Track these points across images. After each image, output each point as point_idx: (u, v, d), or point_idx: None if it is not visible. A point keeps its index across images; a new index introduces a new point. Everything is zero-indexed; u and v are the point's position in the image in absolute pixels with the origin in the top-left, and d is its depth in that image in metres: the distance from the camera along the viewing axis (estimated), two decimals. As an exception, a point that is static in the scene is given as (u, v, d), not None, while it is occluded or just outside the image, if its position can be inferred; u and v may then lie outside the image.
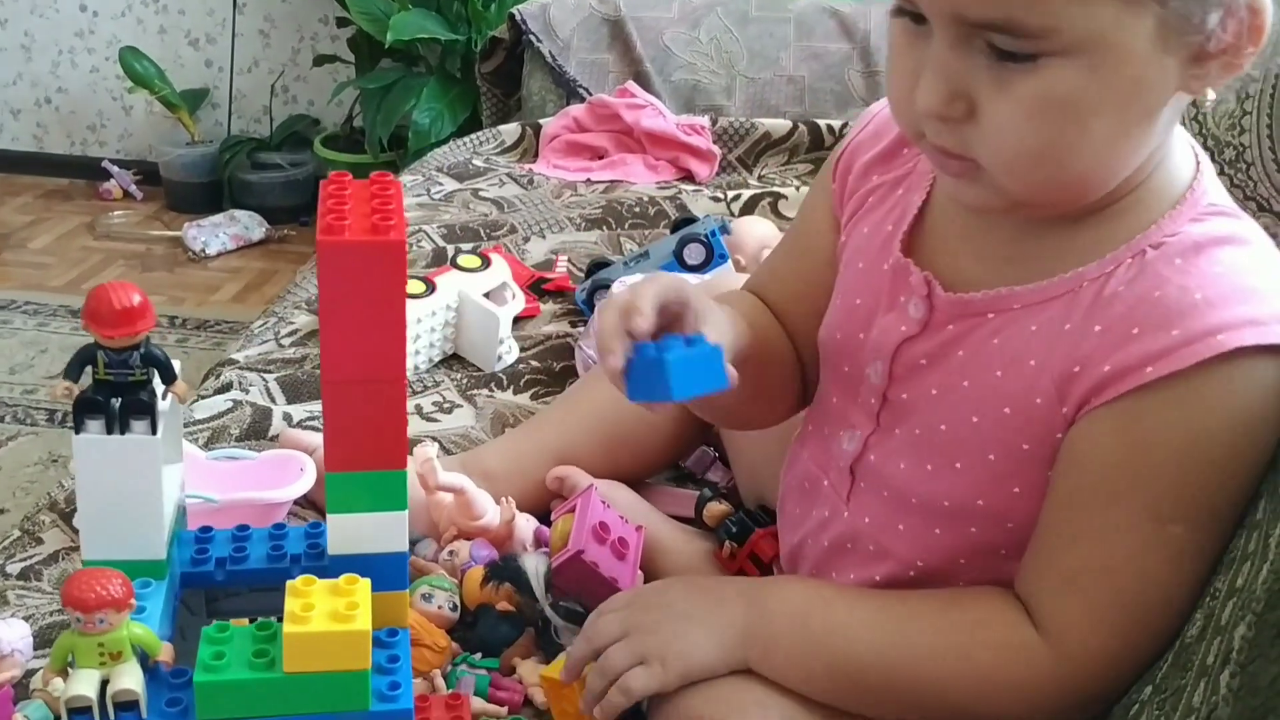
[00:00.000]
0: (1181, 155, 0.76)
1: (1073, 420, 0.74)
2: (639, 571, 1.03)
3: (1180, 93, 0.70)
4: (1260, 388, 0.70)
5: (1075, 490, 0.74)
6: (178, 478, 0.73)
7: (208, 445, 1.22)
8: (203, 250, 3.10)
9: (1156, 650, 0.72)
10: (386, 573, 0.67)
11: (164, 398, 0.66)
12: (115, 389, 0.65)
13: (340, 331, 0.62)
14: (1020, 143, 0.69)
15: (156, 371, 0.66)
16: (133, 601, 0.63)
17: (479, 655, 0.96)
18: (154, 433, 0.65)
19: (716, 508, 1.11)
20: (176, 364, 0.67)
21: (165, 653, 0.65)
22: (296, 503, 1.10)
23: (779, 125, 2.08)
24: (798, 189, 1.94)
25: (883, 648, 0.79)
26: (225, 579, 0.73)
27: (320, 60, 3.25)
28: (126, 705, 0.64)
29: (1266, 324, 0.69)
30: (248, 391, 1.34)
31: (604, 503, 1.04)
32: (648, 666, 0.81)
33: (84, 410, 0.65)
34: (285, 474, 1.10)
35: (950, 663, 0.77)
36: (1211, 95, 0.70)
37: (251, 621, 0.74)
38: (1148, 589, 0.72)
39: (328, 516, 0.68)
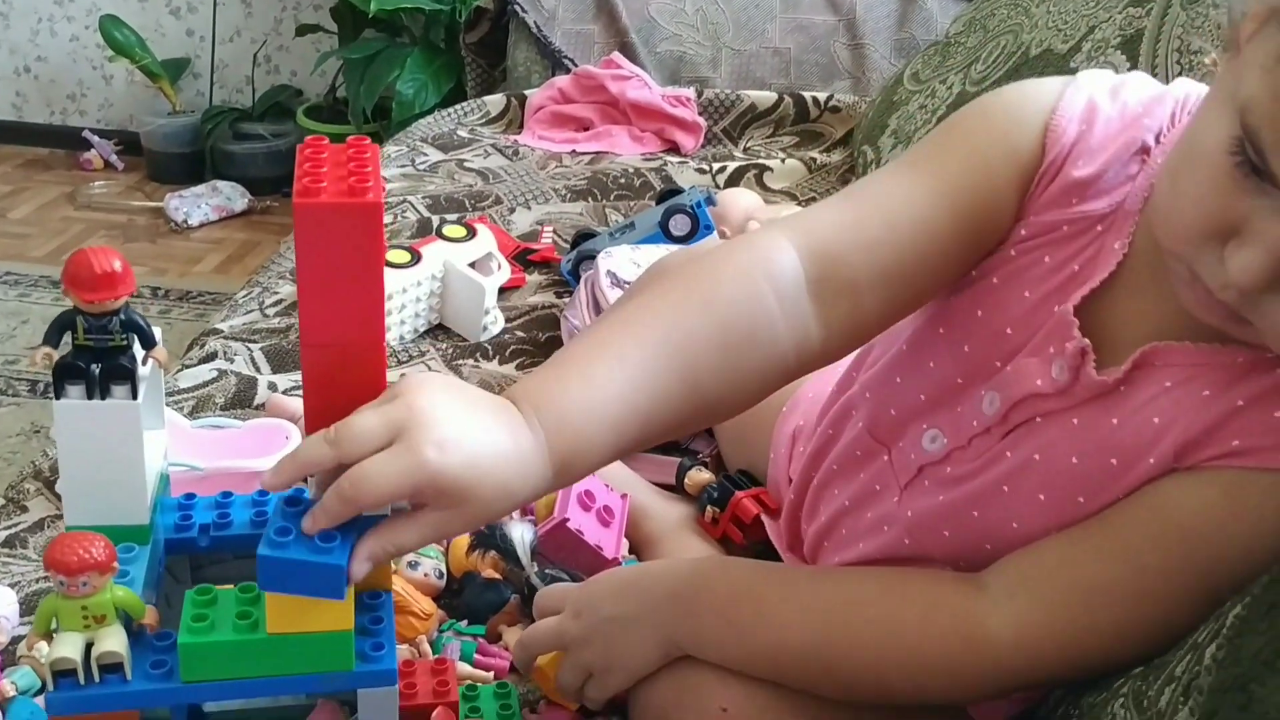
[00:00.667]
0: None
1: (1171, 471, 0.72)
2: (624, 539, 1.04)
3: None
4: None
5: (1133, 519, 0.72)
6: (160, 444, 0.73)
7: (193, 414, 1.22)
8: (185, 221, 3.09)
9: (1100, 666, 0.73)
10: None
11: (144, 363, 0.66)
12: (95, 354, 0.64)
13: (318, 294, 0.61)
14: None
15: (136, 337, 0.65)
16: (115, 565, 0.63)
17: (465, 622, 0.96)
18: (135, 398, 0.65)
19: (698, 476, 1.12)
20: (158, 332, 0.67)
21: (149, 616, 0.65)
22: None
23: (764, 97, 2.07)
24: (783, 161, 1.94)
25: (820, 639, 0.77)
26: (209, 545, 0.73)
27: (303, 30, 3.23)
28: (111, 667, 0.64)
29: None
30: (232, 361, 1.34)
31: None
32: (595, 678, 0.82)
33: (64, 376, 0.64)
34: (270, 442, 1.10)
35: (893, 654, 0.76)
36: None
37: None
38: (1138, 636, 0.71)
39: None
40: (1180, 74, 1.20)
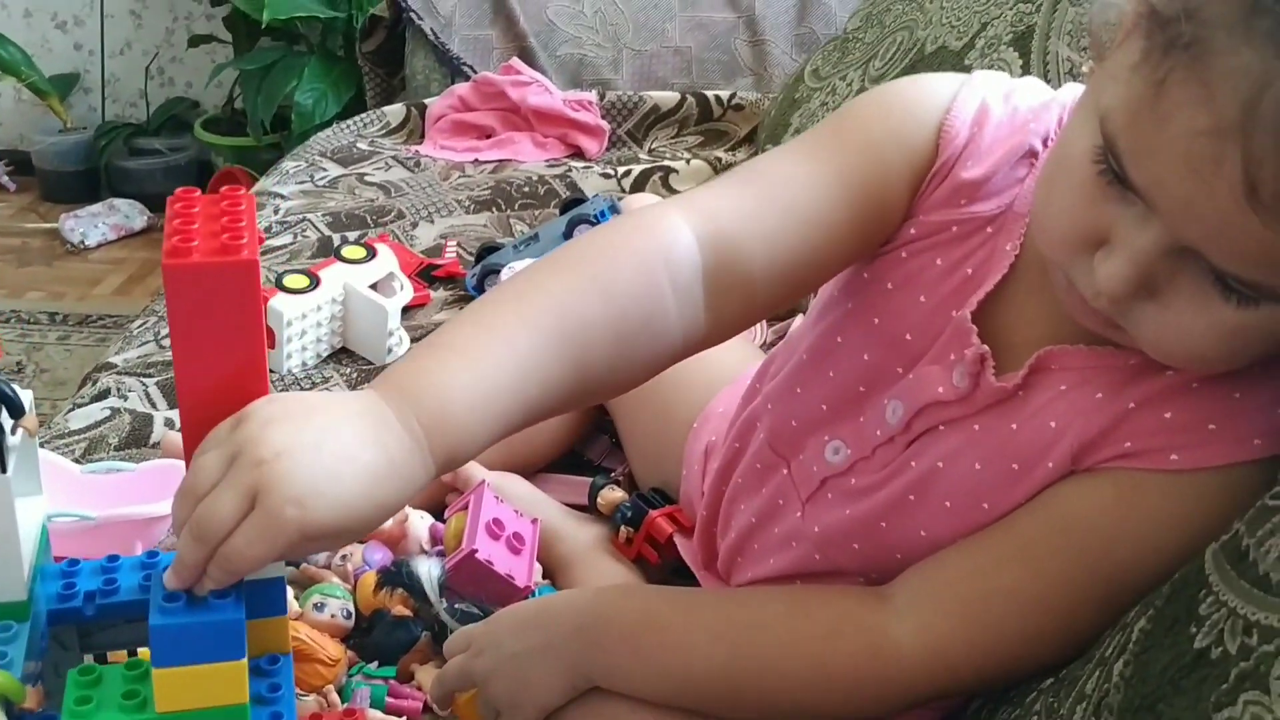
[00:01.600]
0: None
1: (1068, 474, 0.72)
2: (536, 564, 1.02)
3: None
4: (1250, 499, 0.65)
5: (1030, 521, 0.72)
6: (39, 510, 0.69)
7: (84, 457, 1.18)
8: (82, 241, 3.00)
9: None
10: (264, 600, 0.65)
11: (14, 433, 0.63)
12: (-39, 426, 0.61)
13: (194, 358, 0.59)
14: (1197, 350, 0.65)
15: (3, 407, 0.62)
16: (-9, 650, 0.60)
17: (375, 664, 0.94)
18: (3, 471, 0.62)
19: (610, 495, 1.10)
20: (28, 397, 0.64)
21: (31, 699, 0.62)
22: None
23: (667, 98, 2.06)
24: (688, 162, 1.93)
25: (728, 664, 0.76)
26: (95, 613, 0.70)
27: (196, 40, 3.16)
28: (-9, 757, 0.61)
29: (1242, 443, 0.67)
30: (126, 398, 1.29)
31: (497, 497, 1.02)
32: (505, 714, 0.81)
33: (-73, 449, 0.61)
34: (167, 484, 1.06)
35: (802, 673, 0.75)
36: None
37: (131, 654, 0.71)
38: (1044, 641, 0.71)
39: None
40: (1071, 70, 1.21)
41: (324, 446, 0.59)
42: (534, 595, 0.98)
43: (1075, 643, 0.70)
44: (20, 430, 0.63)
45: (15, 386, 0.63)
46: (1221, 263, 0.61)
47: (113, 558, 0.72)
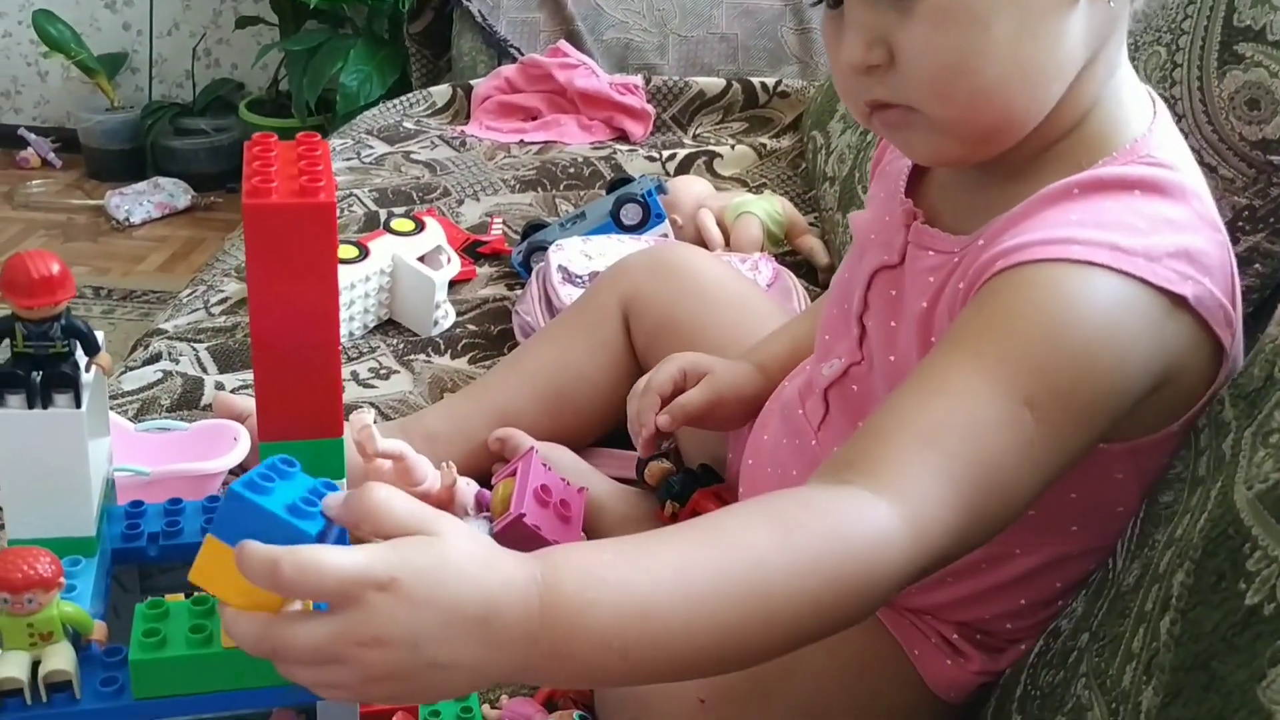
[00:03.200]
0: (1134, 106, 0.76)
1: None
2: (581, 534, 1.03)
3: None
4: (1110, 300, 0.68)
5: (946, 347, 0.71)
6: (105, 452, 0.71)
7: (137, 417, 1.19)
8: (126, 219, 3.03)
9: (987, 535, 0.68)
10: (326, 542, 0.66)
11: (87, 370, 0.64)
12: (36, 362, 0.62)
13: (270, 297, 0.60)
14: (933, 59, 0.71)
15: (79, 343, 0.63)
16: (62, 580, 0.60)
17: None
18: (78, 406, 0.63)
19: (658, 467, 1.11)
20: (101, 335, 0.65)
21: (98, 631, 0.63)
22: (232, 472, 1.08)
23: (713, 84, 2.07)
24: (732, 147, 1.93)
25: (740, 624, 0.61)
26: (158, 554, 0.71)
27: (243, 22, 3.18)
28: (59, 686, 0.62)
29: (1130, 254, 0.68)
30: (178, 362, 1.31)
31: (545, 465, 1.03)
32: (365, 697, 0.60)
33: (3, 384, 0.62)
34: (218, 444, 1.08)
35: (816, 591, 0.62)
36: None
37: (187, 596, 0.72)
38: (993, 468, 0.66)
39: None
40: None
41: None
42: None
43: (1051, 470, 0.67)
44: (94, 368, 0.64)
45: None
46: None
47: (175, 501, 0.74)
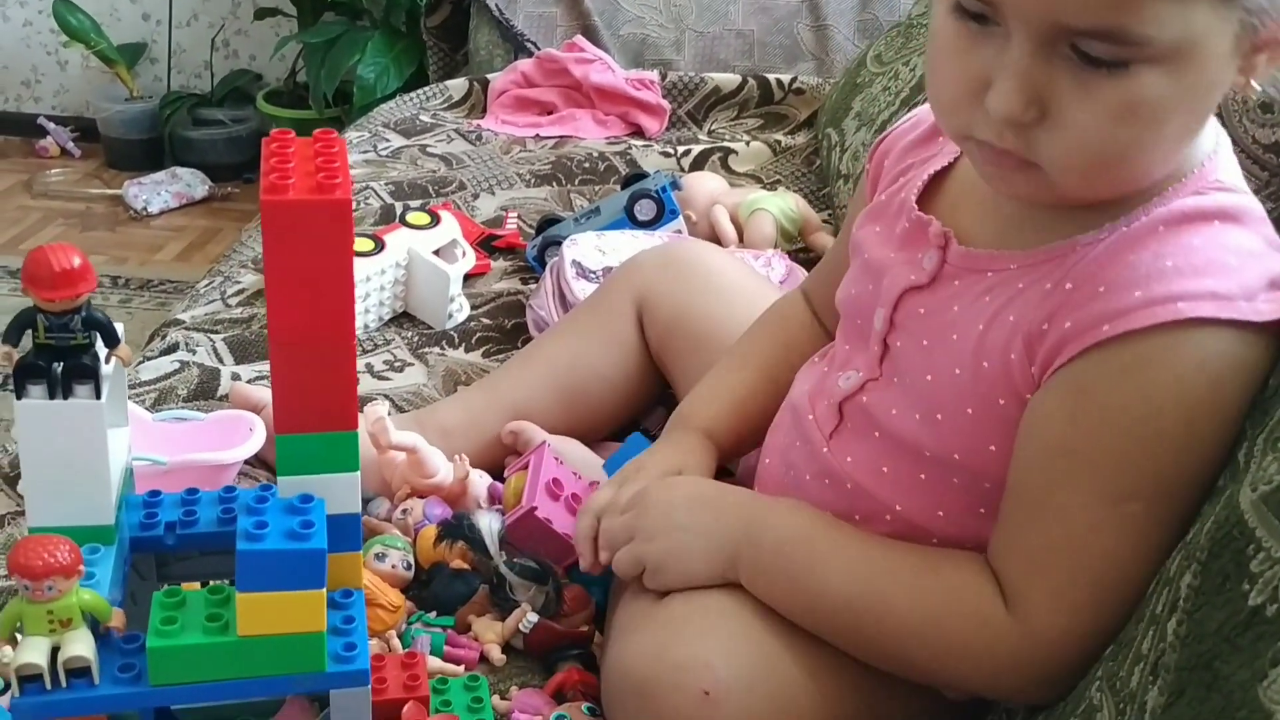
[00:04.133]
0: (1204, 133, 0.75)
1: (1039, 383, 0.74)
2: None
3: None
4: (1218, 362, 0.69)
5: (1032, 465, 0.74)
6: (124, 441, 0.72)
7: (154, 406, 1.20)
8: (144, 208, 3.05)
9: (1120, 624, 0.71)
10: (340, 534, 0.67)
11: (107, 361, 0.65)
12: (57, 353, 0.63)
13: (287, 292, 0.61)
14: (1098, 146, 0.68)
15: (99, 335, 0.64)
16: (81, 568, 0.62)
17: (434, 614, 0.96)
18: (98, 397, 0.64)
19: None
20: (120, 326, 0.66)
21: (116, 619, 0.64)
22: (248, 462, 1.10)
23: (729, 80, 2.07)
24: (748, 144, 1.94)
25: (856, 596, 0.79)
26: (175, 543, 0.72)
27: (261, 13, 3.19)
28: (78, 672, 0.63)
29: (1231, 299, 0.69)
30: (194, 352, 1.32)
31: (557, 459, 1.03)
32: (650, 572, 0.85)
33: (25, 375, 0.63)
34: (234, 434, 1.09)
35: (918, 625, 0.77)
36: (1257, 88, 0.71)
37: (203, 585, 0.73)
38: (1109, 568, 0.71)
39: (278, 479, 0.67)
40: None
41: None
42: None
43: (1167, 545, 0.69)
44: (114, 359, 0.65)
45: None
46: (1075, 20, 0.65)
47: (192, 491, 0.75)
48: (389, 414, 1.07)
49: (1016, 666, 0.74)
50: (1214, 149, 0.76)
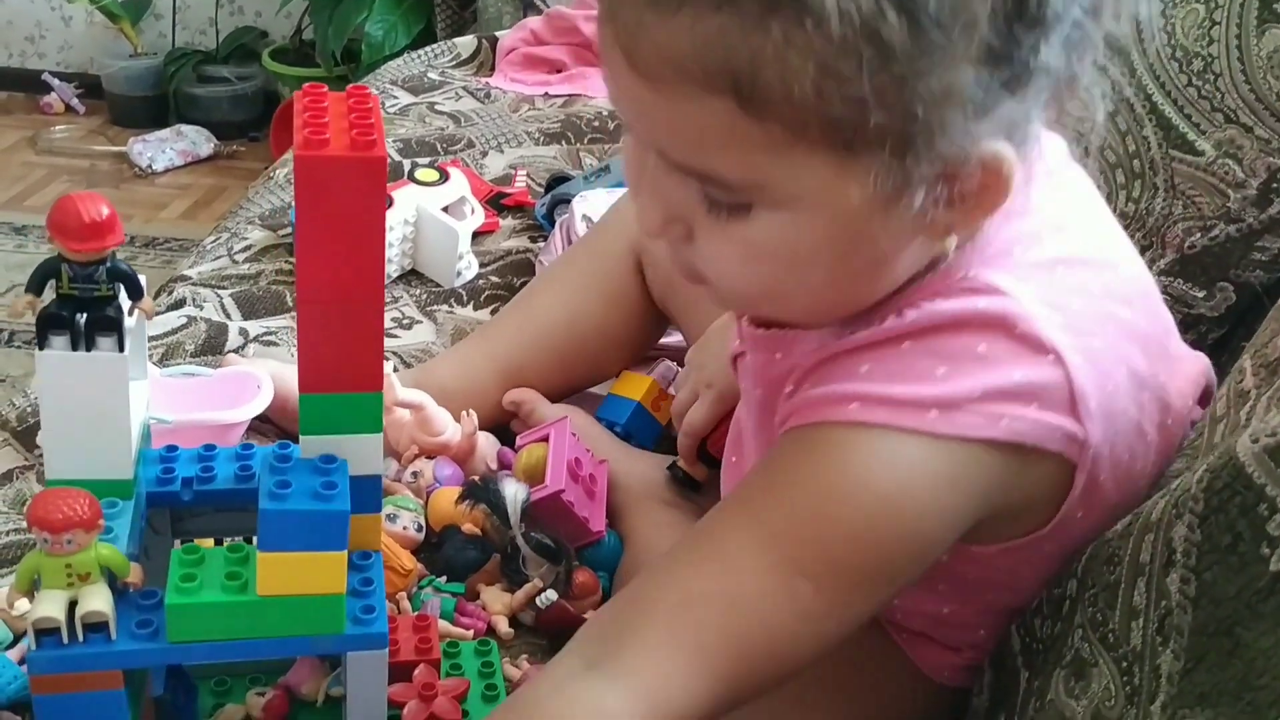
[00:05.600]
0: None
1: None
2: (604, 508, 1.02)
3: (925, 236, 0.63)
4: (903, 468, 0.63)
5: (731, 505, 0.69)
6: (143, 396, 0.71)
7: (162, 362, 1.20)
8: (149, 166, 3.03)
9: (758, 693, 0.66)
10: (361, 495, 0.66)
11: (130, 314, 0.64)
12: (80, 304, 0.62)
13: (318, 250, 0.59)
14: (737, 280, 0.65)
15: (123, 287, 0.63)
16: (101, 522, 0.61)
17: (444, 579, 0.95)
18: (121, 349, 0.63)
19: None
20: (143, 279, 0.65)
21: (134, 574, 0.64)
22: (255, 419, 1.09)
23: (740, 40, 2.04)
24: (759, 106, 1.92)
25: None
26: (192, 499, 0.71)
27: (267, -31, 3.17)
28: (95, 626, 0.63)
29: (919, 407, 0.63)
30: (202, 308, 1.31)
31: (574, 435, 1.03)
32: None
33: (48, 326, 0.62)
34: (241, 393, 1.08)
35: None
36: (953, 242, 0.64)
37: (218, 542, 0.73)
38: (761, 636, 0.64)
39: (301, 438, 0.67)
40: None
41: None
42: (604, 540, 0.99)
43: (846, 629, 0.65)
44: (137, 312, 0.64)
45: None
46: (673, 155, 0.61)
47: (209, 447, 0.74)
48: (395, 370, 1.06)
49: None
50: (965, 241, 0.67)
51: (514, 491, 0.95)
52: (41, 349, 0.62)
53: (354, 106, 0.61)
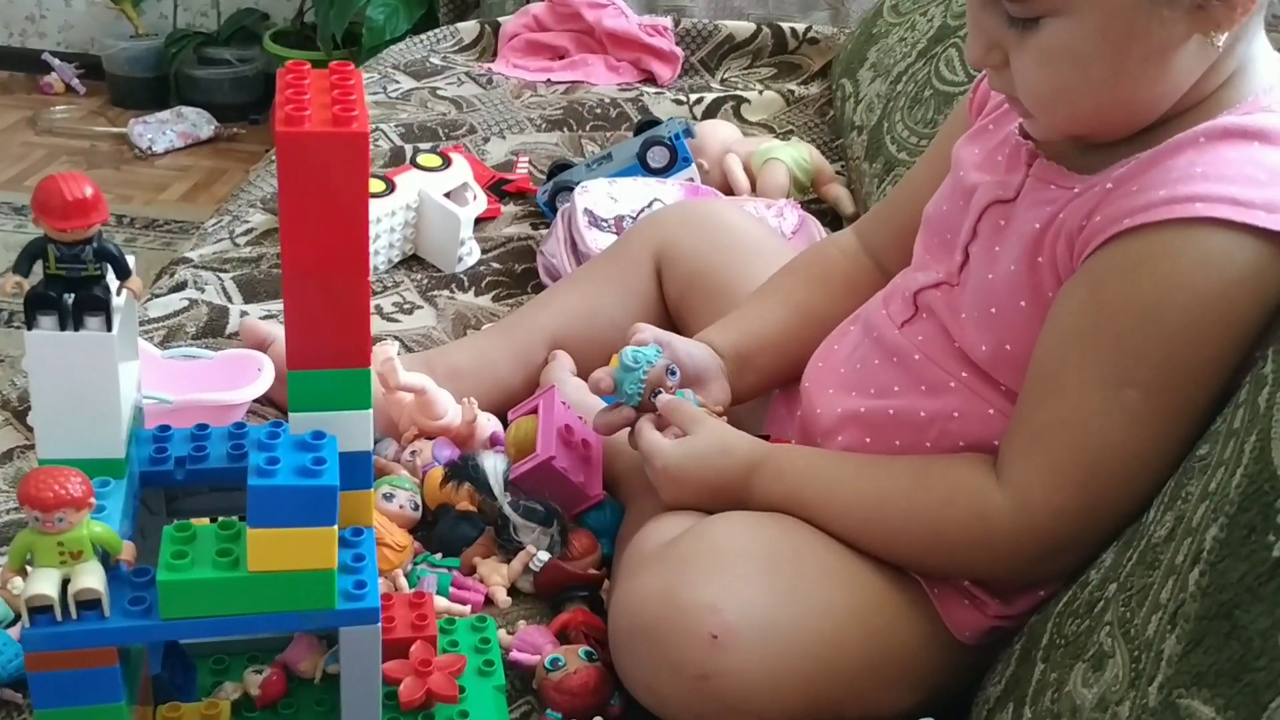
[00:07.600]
0: (1266, 72, 0.79)
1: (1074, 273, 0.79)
2: (600, 472, 1.03)
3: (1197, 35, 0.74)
4: (1229, 265, 0.72)
5: (1047, 347, 0.79)
6: (134, 375, 0.71)
7: (163, 344, 1.20)
8: (150, 147, 3.03)
9: (1115, 512, 0.76)
10: (351, 471, 0.66)
11: (118, 294, 0.64)
12: (68, 284, 0.62)
13: (301, 226, 0.60)
14: (1036, 86, 0.78)
15: (110, 267, 0.63)
16: (92, 500, 0.61)
17: (439, 555, 0.96)
18: (109, 329, 0.63)
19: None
20: (131, 261, 0.65)
21: (127, 551, 0.64)
22: (257, 401, 1.09)
23: (742, 27, 2.05)
24: (760, 93, 1.92)
25: (858, 530, 0.86)
26: (185, 478, 0.72)
27: (270, -49, 3.16)
28: (88, 604, 0.63)
29: (1251, 206, 0.71)
30: (203, 290, 1.32)
31: (564, 403, 1.03)
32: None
33: (36, 306, 0.62)
34: (242, 375, 1.08)
35: (923, 539, 0.83)
36: (1222, 37, 0.74)
37: (212, 521, 0.73)
38: (1104, 452, 0.76)
39: (290, 415, 0.67)
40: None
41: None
42: (603, 504, 1.00)
43: (1179, 440, 0.73)
44: (125, 292, 0.65)
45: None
46: None
47: (202, 427, 0.74)
48: (398, 354, 1.06)
49: (1016, 548, 0.80)
50: (1273, 84, 0.78)
51: (493, 463, 0.96)
52: (30, 329, 0.63)
53: (336, 83, 0.61)
